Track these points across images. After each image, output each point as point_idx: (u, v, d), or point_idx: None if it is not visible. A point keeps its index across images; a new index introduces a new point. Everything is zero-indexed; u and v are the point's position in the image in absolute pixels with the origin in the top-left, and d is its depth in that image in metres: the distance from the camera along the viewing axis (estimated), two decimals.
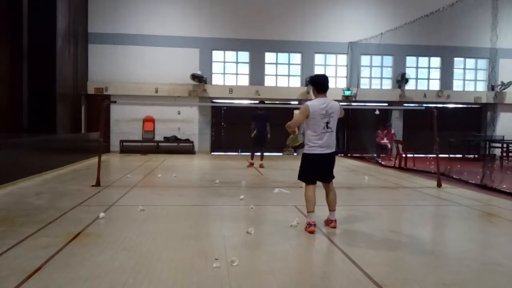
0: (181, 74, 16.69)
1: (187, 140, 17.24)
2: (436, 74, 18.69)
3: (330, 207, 5.15)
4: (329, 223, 5.14)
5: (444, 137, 12.77)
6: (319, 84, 5.07)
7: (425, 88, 18.57)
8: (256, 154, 12.32)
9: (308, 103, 5.00)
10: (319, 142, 4.94)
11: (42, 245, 4.24)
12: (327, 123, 4.92)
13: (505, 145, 15.61)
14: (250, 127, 12.09)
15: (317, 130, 4.94)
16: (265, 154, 12.52)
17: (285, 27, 17.45)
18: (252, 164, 12.13)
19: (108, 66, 16.77)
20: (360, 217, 5.86)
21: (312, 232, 4.79)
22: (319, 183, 5.17)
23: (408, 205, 7.11)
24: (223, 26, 17.21)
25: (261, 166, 11.99)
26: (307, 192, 5.04)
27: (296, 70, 17.97)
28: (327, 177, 5.15)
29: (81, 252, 4.05)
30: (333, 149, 5.05)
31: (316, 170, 5.05)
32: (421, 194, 8.06)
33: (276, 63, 17.96)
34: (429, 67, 18.77)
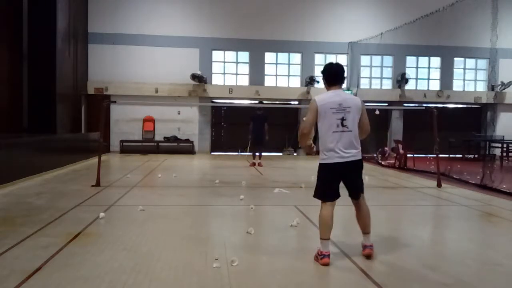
0: (181, 74, 16.69)
1: (187, 140, 17.24)
2: (436, 74, 18.68)
3: (362, 228, 4.05)
4: (363, 249, 4.03)
5: (444, 137, 12.77)
6: (328, 74, 4.07)
7: (425, 88, 18.56)
8: (257, 154, 12.47)
9: (315, 97, 4.02)
10: (332, 145, 3.85)
11: (42, 245, 4.24)
12: (342, 119, 3.85)
13: (505, 145, 15.61)
14: (249, 128, 12.36)
15: (330, 130, 3.87)
16: (265, 154, 12.66)
17: (285, 27, 17.45)
18: (254, 164, 12.27)
19: (108, 66, 16.76)
20: None
21: (325, 265, 3.77)
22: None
23: (408, 205, 7.11)
24: (223, 26, 17.21)
25: (259, 165, 12.13)
26: (321, 212, 3.94)
27: (296, 70, 17.96)
28: (352, 192, 4.03)
29: (81, 252, 4.05)
30: (356, 156, 3.91)
31: (334, 184, 3.94)
32: (421, 194, 8.06)
33: (276, 63, 17.95)
34: (429, 67, 18.77)
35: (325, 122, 3.89)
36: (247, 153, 13.35)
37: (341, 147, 3.85)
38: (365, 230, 4.03)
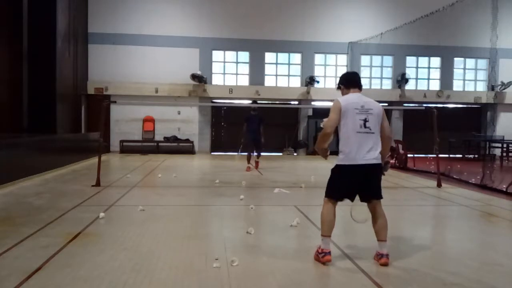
0: (181, 74, 16.69)
1: (187, 140, 17.24)
2: (436, 74, 18.69)
3: (378, 236, 3.89)
4: (378, 258, 3.86)
5: (444, 137, 12.77)
6: (345, 78, 4.10)
7: (425, 88, 18.57)
8: (253, 154, 12.06)
9: (338, 98, 3.99)
10: (355, 146, 3.77)
11: (42, 245, 4.24)
12: (365, 120, 3.80)
13: (505, 145, 15.61)
14: (243, 128, 11.63)
15: (353, 130, 3.79)
16: (265, 154, 12.18)
17: (285, 27, 17.44)
18: (249, 168, 11.56)
19: (108, 66, 16.76)
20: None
21: (327, 262, 3.78)
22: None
23: (408, 205, 7.11)
24: (223, 26, 17.20)
25: (256, 165, 11.59)
26: (324, 209, 3.91)
27: (296, 70, 17.96)
28: (369, 195, 3.92)
29: (81, 252, 4.05)
30: (377, 160, 3.82)
31: (349, 185, 3.86)
32: (421, 194, 8.06)
33: (276, 63, 17.95)
34: (429, 67, 18.77)
35: (348, 122, 3.81)
36: (244, 153, 12.83)
37: (364, 149, 3.78)
38: (381, 238, 3.87)
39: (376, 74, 18.54)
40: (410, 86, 18.08)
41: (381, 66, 18.52)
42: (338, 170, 3.89)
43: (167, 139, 17.08)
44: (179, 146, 17.14)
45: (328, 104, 3.99)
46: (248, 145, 11.83)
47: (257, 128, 11.48)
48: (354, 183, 3.84)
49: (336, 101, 3.91)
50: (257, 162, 11.76)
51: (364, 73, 18.29)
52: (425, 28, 14.83)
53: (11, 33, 12.48)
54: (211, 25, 17.18)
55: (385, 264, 3.79)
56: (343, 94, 4.06)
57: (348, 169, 3.81)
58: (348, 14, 17.69)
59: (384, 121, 3.95)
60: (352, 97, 3.93)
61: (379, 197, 3.92)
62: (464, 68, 18.85)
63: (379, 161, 3.86)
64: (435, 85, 18.63)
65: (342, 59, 17.94)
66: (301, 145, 17.59)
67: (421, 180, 10.03)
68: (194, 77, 16.52)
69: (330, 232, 3.85)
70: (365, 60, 18.26)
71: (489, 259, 4.16)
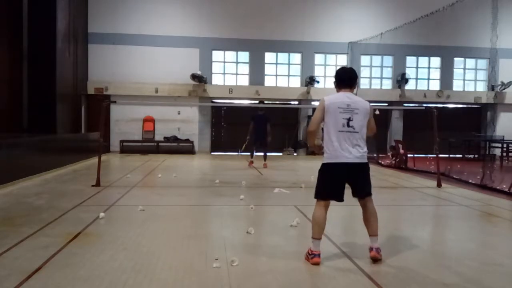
0: (181, 74, 16.69)
1: (187, 140, 17.24)
2: (436, 74, 18.68)
3: (369, 230, 3.98)
4: (370, 251, 3.93)
5: (444, 137, 12.77)
6: (338, 76, 4.11)
7: (425, 88, 18.56)
8: (257, 154, 12.20)
9: (325, 96, 4.05)
10: (336, 145, 3.84)
11: (42, 245, 4.24)
12: (349, 119, 3.85)
13: (505, 145, 15.61)
14: (249, 128, 12.01)
15: (335, 129, 3.86)
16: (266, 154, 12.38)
17: (285, 27, 17.44)
18: (252, 162, 12.02)
19: (108, 66, 16.76)
20: (360, 217, 5.85)
21: (316, 264, 3.79)
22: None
23: (408, 205, 7.11)
24: (223, 26, 17.20)
25: (264, 166, 11.85)
26: (315, 211, 3.94)
27: (296, 70, 17.96)
28: (357, 193, 4.01)
29: (81, 252, 4.05)
30: (360, 158, 3.90)
31: (334, 183, 3.90)
32: (421, 194, 8.06)
33: (276, 63, 17.95)
34: (429, 67, 18.77)
35: (331, 121, 3.88)
36: (246, 153, 13.08)
37: (345, 147, 3.84)
38: (371, 232, 3.95)
39: (376, 74, 18.53)
40: (410, 86, 18.07)
41: (381, 66, 18.51)
42: (323, 169, 3.98)
43: (167, 139, 17.08)
44: (179, 146, 17.14)
45: None
46: (253, 144, 12.09)
47: (264, 128, 11.70)
48: (339, 181, 3.90)
49: (322, 99, 4.00)
50: (264, 164, 11.97)
51: (364, 73, 18.30)
52: (425, 28, 14.81)
53: (11, 33, 12.48)
54: (211, 25, 17.18)
55: (375, 258, 3.85)
56: (336, 90, 4.12)
57: (331, 167, 3.90)
58: (348, 14, 17.68)
59: (370, 119, 4.02)
60: (339, 96, 3.99)
61: (368, 193, 4.00)
62: (464, 68, 18.85)
63: (364, 160, 3.95)
64: (435, 85, 18.62)
65: (342, 59, 17.93)
66: (301, 145, 17.59)
67: (421, 180, 10.02)
68: (194, 77, 16.52)
69: (320, 235, 3.89)
70: (365, 60, 18.26)
71: (489, 259, 4.16)
